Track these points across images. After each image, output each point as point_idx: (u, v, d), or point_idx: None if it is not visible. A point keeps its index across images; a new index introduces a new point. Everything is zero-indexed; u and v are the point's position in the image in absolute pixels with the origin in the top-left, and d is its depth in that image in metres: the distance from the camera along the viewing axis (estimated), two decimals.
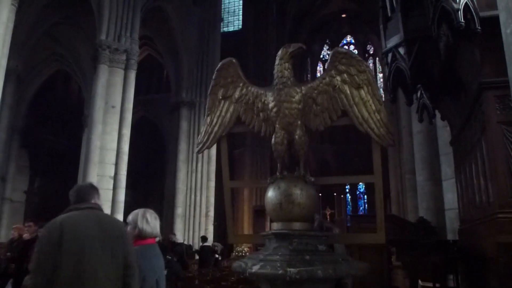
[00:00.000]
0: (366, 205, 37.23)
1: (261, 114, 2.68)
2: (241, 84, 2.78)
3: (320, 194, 33.93)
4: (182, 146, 20.52)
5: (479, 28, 3.71)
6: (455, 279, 5.79)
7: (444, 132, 7.46)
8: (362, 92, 2.44)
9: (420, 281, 6.07)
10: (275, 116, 2.57)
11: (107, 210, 13.16)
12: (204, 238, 15.51)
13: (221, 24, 25.25)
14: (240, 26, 30.58)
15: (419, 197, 8.96)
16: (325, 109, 2.53)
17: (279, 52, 2.72)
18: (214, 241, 18.81)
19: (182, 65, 21.51)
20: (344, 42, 39.03)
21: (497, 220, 3.65)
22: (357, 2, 32.37)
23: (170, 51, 22.05)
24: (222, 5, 26.14)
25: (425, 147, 8.69)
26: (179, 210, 19.54)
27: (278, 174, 2.62)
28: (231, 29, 30.76)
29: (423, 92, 5.66)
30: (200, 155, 20.77)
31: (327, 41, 39.77)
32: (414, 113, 8.75)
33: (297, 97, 2.53)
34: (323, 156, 35.88)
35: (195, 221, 19.78)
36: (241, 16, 30.92)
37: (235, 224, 23.62)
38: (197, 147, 2.89)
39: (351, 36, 38.94)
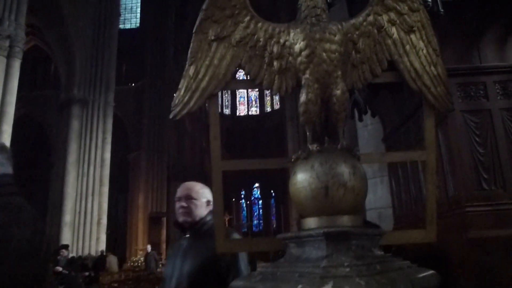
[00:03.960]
0: (261, 211, 37.66)
1: (275, 63, 1.93)
2: (246, 19, 1.98)
3: None
4: (72, 147, 18.76)
5: (442, 10, 3.56)
6: None
7: (364, 132, 7.44)
8: (414, 37, 1.90)
9: None
10: (305, 62, 1.85)
11: None
12: (64, 246, 12.09)
13: (118, 19, 23.76)
14: (138, 24, 29.22)
15: None
16: (366, 59, 1.91)
17: None
18: (107, 251, 17.39)
19: (75, 59, 19.79)
20: None
21: (466, 215, 3.44)
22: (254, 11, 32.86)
23: (61, 43, 20.16)
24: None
25: None
26: (67, 218, 17.77)
27: (310, 146, 1.87)
28: (128, 26, 29.24)
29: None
30: (92, 158, 19.22)
31: None
32: None
33: (338, 37, 1.85)
34: None
35: (85, 229, 18.11)
36: (139, 14, 29.59)
37: (128, 233, 22.18)
38: (172, 108, 2.02)
39: None
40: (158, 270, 14.79)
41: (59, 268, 8.69)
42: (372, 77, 1.94)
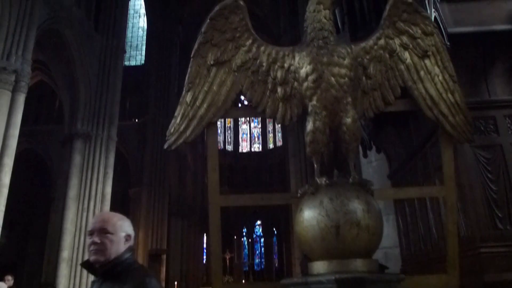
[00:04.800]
0: (263, 249, 36.99)
1: (279, 89, 1.79)
2: (248, 42, 1.85)
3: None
4: (74, 182, 18.58)
5: (448, 43, 3.53)
6: None
7: (368, 168, 7.34)
8: (429, 63, 1.73)
9: None
10: (311, 88, 1.70)
11: None
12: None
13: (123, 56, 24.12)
14: (143, 61, 29.66)
15: None
16: (378, 85, 1.75)
17: None
18: None
19: (79, 95, 19.91)
20: None
21: (481, 256, 3.23)
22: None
23: (66, 79, 20.35)
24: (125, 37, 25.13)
25: None
26: (65, 254, 17.37)
27: (318, 179, 1.69)
28: (133, 63, 29.67)
29: (362, 123, 5.46)
30: (93, 193, 19.03)
31: None
32: None
33: (347, 60, 1.68)
34: None
35: None
36: (143, 51, 30.07)
37: None
38: (167, 138, 1.90)
39: None
40: None
41: None
42: (384, 105, 1.80)
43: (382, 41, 1.78)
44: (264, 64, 1.83)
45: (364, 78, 1.77)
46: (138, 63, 30.02)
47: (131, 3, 25.21)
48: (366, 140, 5.81)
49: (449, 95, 1.76)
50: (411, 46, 1.78)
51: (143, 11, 30.72)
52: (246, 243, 37.22)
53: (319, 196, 1.60)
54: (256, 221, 37.03)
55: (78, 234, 18.14)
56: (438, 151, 3.85)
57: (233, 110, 1.95)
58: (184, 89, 1.93)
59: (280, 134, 37.32)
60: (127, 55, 26.49)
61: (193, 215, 29.70)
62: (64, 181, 19.01)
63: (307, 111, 1.76)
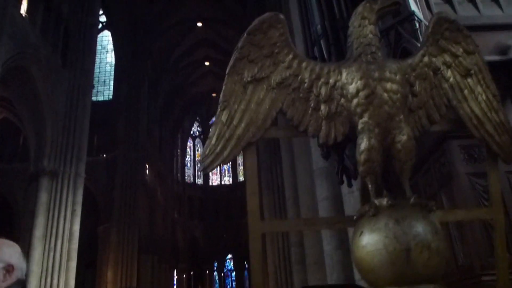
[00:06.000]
0: (234, 283, 36.36)
1: (323, 106, 1.73)
2: (288, 58, 1.76)
3: (192, 273, 32.40)
4: (40, 221, 17.96)
5: None
6: None
7: (350, 198, 7.34)
8: (471, 81, 1.75)
9: None
10: (363, 104, 1.65)
11: None
12: None
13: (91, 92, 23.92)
14: (111, 97, 29.43)
15: (328, 269, 8.46)
16: (423, 103, 1.74)
17: (359, 9, 1.82)
18: None
19: (46, 131, 19.50)
20: (213, 120, 40.06)
21: (483, 285, 3.20)
22: None
23: (32, 116, 19.93)
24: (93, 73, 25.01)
25: (333, 213, 7.92)
26: None
27: (377, 200, 1.60)
28: (100, 98, 29.40)
29: (346, 152, 5.52)
30: (60, 231, 18.43)
31: (198, 118, 40.48)
32: (319, 178, 8.64)
33: (399, 76, 1.68)
34: (192, 233, 34.78)
35: None
36: (111, 86, 29.89)
37: None
38: (202, 161, 1.74)
39: None
40: None
41: None
42: (429, 124, 1.77)
43: (426, 59, 1.77)
44: (306, 80, 1.77)
45: (410, 96, 1.74)
46: (106, 98, 29.77)
47: (98, 39, 25.21)
48: (352, 170, 5.86)
49: (494, 114, 1.75)
50: (453, 64, 1.78)
51: (110, 46, 30.72)
52: (217, 277, 36.56)
53: (381, 218, 1.52)
54: (227, 255, 36.51)
55: (45, 275, 17.42)
56: (443, 167, 3.85)
57: (273, 130, 1.84)
58: (218, 107, 1.83)
59: None
60: (94, 90, 26.31)
61: (163, 251, 29.05)
62: (29, 220, 18.35)
63: (354, 130, 1.70)
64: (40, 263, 17.45)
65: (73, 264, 18.41)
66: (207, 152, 1.76)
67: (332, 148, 4.66)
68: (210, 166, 1.75)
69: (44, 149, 19.33)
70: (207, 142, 1.77)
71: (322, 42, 4.93)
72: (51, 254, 17.83)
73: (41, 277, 17.24)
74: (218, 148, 1.74)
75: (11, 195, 23.86)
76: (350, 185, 5.92)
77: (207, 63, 35.19)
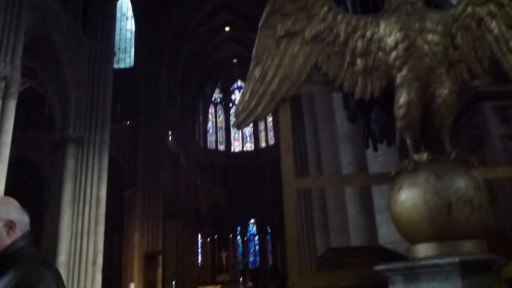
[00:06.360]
0: (257, 247, 37.07)
1: (359, 61, 1.65)
2: (323, 10, 1.68)
3: (216, 236, 33.12)
4: (68, 186, 18.51)
5: None
6: None
7: (375, 163, 7.28)
8: None
9: None
10: (402, 57, 1.57)
11: None
12: None
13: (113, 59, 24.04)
14: (132, 64, 29.54)
15: (352, 233, 8.53)
16: (464, 56, 1.64)
17: None
18: None
19: (70, 99, 19.80)
20: (235, 86, 39.92)
21: None
22: (247, 48, 33.45)
23: (56, 84, 20.21)
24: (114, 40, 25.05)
25: None
26: (62, 258, 17.32)
27: (416, 156, 1.55)
28: (122, 66, 29.53)
29: (372, 115, 5.39)
30: (87, 196, 18.97)
31: (219, 85, 40.37)
32: (343, 142, 8.59)
33: (441, 27, 1.59)
34: (215, 199, 35.34)
35: (80, 270, 17.67)
36: (132, 54, 29.95)
37: (124, 272, 21.63)
38: (235, 117, 1.73)
39: (242, 81, 39.99)
40: None
41: None
42: (470, 78, 1.69)
43: (469, 9, 1.66)
44: (342, 33, 1.68)
45: (451, 49, 1.64)
46: (128, 65, 29.90)
47: (118, 6, 25.10)
48: (378, 135, 5.77)
49: None
50: (498, 14, 1.66)
51: (130, 13, 30.59)
52: (240, 242, 37.29)
53: (421, 173, 1.48)
54: (249, 220, 37.12)
55: (75, 238, 18.09)
56: (475, 129, 3.66)
57: (307, 85, 1.80)
58: (251, 63, 1.76)
59: (272, 133, 37.45)
60: (116, 57, 26.42)
61: (187, 215, 29.71)
62: (57, 186, 18.92)
63: (393, 84, 1.63)
64: (70, 227, 18.09)
65: (101, 228, 19.00)
66: (240, 108, 1.74)
67: (360, 109, 4.61)
68: (244, 123, 1.75)
69: (69, 117, 19.69)
70: (240, 98, 1.76)
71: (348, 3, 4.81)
72: (80, 218, 18.43)
73: (71, 241, 17.90)
74: (252, 105, 1.72)
75: (38, 162, 24.54)
76: (376, 149, 5.84)
77: (227, 28, 34.73)
